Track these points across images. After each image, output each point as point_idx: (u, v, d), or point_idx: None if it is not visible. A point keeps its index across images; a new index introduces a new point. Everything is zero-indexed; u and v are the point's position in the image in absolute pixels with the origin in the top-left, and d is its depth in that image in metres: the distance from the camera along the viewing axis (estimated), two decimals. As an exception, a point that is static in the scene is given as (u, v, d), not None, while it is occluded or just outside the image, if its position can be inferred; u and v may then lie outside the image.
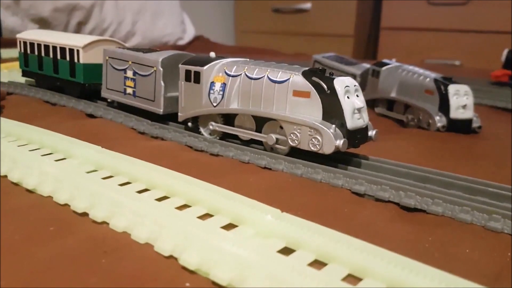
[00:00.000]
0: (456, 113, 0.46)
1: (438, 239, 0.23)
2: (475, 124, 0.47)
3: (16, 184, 0.27)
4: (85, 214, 0.23)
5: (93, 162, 0.29)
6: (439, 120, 0.46)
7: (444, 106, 0.46)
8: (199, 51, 0.34)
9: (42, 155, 0.29)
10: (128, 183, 0.27)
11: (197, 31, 1.35)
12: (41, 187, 0.25)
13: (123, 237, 0.21)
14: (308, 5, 1.61)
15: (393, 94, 0.52)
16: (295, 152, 0.32)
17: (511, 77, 0.70)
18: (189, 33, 1.30)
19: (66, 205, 0.24)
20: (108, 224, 0.22)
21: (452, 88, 0.46)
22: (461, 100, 0.46)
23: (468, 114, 0.46)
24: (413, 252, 0.19)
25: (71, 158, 0.30)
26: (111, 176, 0.27)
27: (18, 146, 0.31)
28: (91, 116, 0.44)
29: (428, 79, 0.48)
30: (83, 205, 0.23)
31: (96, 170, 0.28)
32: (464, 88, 0.46)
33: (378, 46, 1.55)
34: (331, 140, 0.29)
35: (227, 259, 0.18)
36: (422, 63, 0.71)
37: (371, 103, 0.55)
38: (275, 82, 0.32)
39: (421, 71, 0.50)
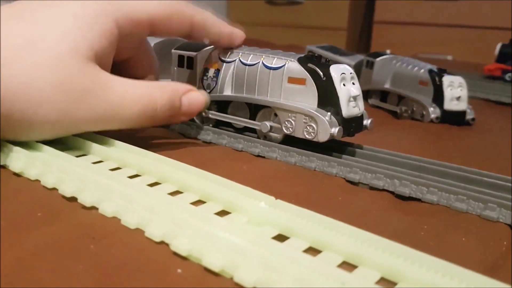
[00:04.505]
0: (450, 104, 0.46)
1: (433, 228, 0.23)
2: (468, 116, 0.47)
3: (3, 167, 0.26)
4: (73, 199, 0.22)
5: (82, 147, 0.28)
6: (433, 112, 0.46)
7: (438, 97, 0.46)
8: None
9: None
10: (118, 168, 0.26)
11: (190, 21, 1.33)
12: (28, 170, 0.25)
13: (112, 223, 0.21)
14: (302, -3, 1.60)
15: (387, 85, 0.52)
16: (289, 140, 0.32)
17: (504, 71, 0.70)
18: (182, 23, 1.28)
19: (54, 189, 0.23)
20: (97, 209, 0.21)
21: (446, 80, 0.46)
22: (455, 91, 0.46)
23: (462, 106, 0.46)
24: (408, 240, 0.19)
25: (58, 143, 0.29)
26: (101, 161, 0.27)
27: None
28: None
29: (422, 70, 0.48)
30: (72, 190, 0.22)
31: (85, 155, 0.28)
32: (458, 79, 0.46)
33: (371, 40, 1.55)
34: (326, 128, 0.29)
35: (219, 245, 0.18)
36: (415, 57, 0.72)
37: (364, 94, 0.54)
38: (270, 68, 0.31)
39: (415, 62, 0.50)
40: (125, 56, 0.31)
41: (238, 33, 0.33)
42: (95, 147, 0.28)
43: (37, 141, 0.27)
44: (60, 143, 0.29)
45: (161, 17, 0.29)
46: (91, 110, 0.26)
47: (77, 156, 0.27)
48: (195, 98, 0.31)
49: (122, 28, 0.28)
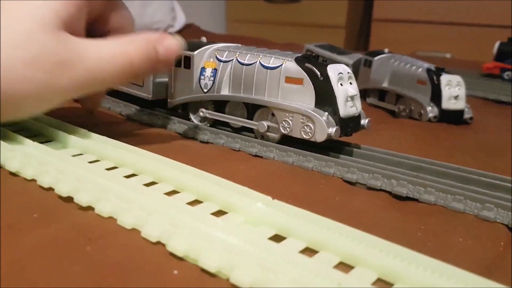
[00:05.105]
0: (448, 103, 0.46)
1: (430, 228, 0.23)
2: (466, 115, 0.47)
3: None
4: (69, 199, 0.22)
5: (79, 146, 0.28)
6: (431, 111, 0.46)
7: (436, 96, 0.46)
8: (190, 39, 0.33)
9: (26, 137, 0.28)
10: (114, 167, 0.26)
11: (188, 19, 1.33)
12: (24, 170, 0.24)
13: (108, 223, 0.21)
14: (300, -5, 1.60)
15: (385, 84, 0.52)
16: (287, 140, 0.32)
17: (503, 69, 0.70)
18: (180, 21, 1.28)
19: (50, 189, 0.23)
20: (93, 209, 0.21)
21: (444, 79, 0.46)
22: (453, 90, 0.46)
23: (460, 105, 0.46)
24: (405, 240, 0.19)
25: (55, 141, 0.29)
26: (97, 160, 0.27)
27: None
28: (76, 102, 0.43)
29: (420, 69, 0.48)
30: (68, 189, 0.22)
31: (81, 154, 0.28)
32: (456, 78, 0.46)
33: (369, 38, 1.55)
34: (323, 127, 0.29)
35: (216, 246, 0.18)
36: (414, 55, 0.72)
37: (362, 93, 0.54)
38: (267, 68, 0.31)
39: (413, 61, 0.50)
40: (97, 13, 0.30)
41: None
42: (91, 146, 0.28)
43: (34, 141, 0.27)
44: (56, 142, 0.29)
45: None
46: (70, 78, 0.26)
47: (73, 155, 0.27)
48: (170, 44, 0.30)
49: None
